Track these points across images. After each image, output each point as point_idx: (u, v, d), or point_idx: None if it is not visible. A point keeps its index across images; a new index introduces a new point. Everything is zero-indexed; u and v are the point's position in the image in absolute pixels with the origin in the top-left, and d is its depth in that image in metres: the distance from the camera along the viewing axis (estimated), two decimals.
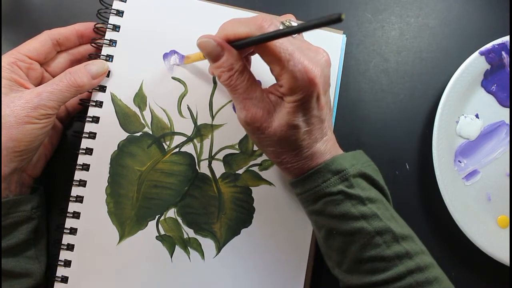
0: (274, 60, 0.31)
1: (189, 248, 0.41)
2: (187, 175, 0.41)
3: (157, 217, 0.41)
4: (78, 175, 0.41)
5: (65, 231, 0.40)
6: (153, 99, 0.41)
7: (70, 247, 0.40)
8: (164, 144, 0.41)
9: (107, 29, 0.41)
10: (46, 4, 0.44)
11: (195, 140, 0.42)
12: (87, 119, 0.41)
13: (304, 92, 0.31)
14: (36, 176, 0.42)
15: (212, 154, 0.42)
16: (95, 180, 0.41)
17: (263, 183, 0.42)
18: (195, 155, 0.42)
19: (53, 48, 0.40)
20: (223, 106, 0.42)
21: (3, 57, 0.38)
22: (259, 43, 0.30)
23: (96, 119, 0.41)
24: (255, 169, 0.42)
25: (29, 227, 0.39)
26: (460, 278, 0.44)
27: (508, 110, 0.45)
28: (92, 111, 0.41)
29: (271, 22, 0.31)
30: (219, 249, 0.41)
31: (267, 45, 0.30)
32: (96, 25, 0.41)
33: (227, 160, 0.42)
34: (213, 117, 0.42)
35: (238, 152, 0.42)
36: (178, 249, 0.41)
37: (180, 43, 0.42)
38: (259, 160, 0.42)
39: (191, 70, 0.42)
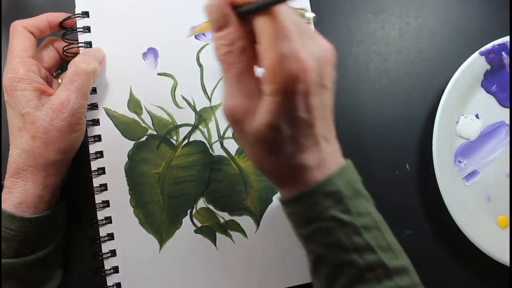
0: (269, 30, 0.26)
1: (229, 231, 0.41)
2: (204, 162, 0.41)
3: (188, 211, 0.41)
4: (99, 197, 0.40)
5: (104, 256, 0.40)
6: (146, 101, 0.41)
7: (115, 270, 0.40)
8: (171, 140, 0.41)
9: (79, 48, 0.40)
10: (46, 4, 0.44)
11: (200, 127, 0.42)
12: (89, 140, 0.40)
13: (285, 84, 0.26)
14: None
15: (221, 135, 0.42)
16: (116, 197, 0.40)
17: None
18: (205, 141, 0.42)
19: (35, 40, 0.39)
20: (216, 85, 0.42)
21: (16, 68, 0.36)
22: (268, 6, 0.26)
23: (98, 138, 0.40)
24: None
25: (63, 233, 0.40)
26: (460, 278, 0.44)
27: (508, 110, 0.45)
28: (91, 131, 0.40)
29: None
30: (258, 222, 0.42)
31: (271, 12, 0.26)
32: (65, 48, 0.40)
33: None
34: (210, 99, 0.42)
35: None
36: (219, 236, 0.41)
37: (154, 38, 0.41)
38: None
39: (174, 61, 0.41)
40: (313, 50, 0.28)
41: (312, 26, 0.31)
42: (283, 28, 0.26)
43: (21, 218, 0.35)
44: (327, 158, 0.30)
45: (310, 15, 0.30)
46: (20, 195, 0.35)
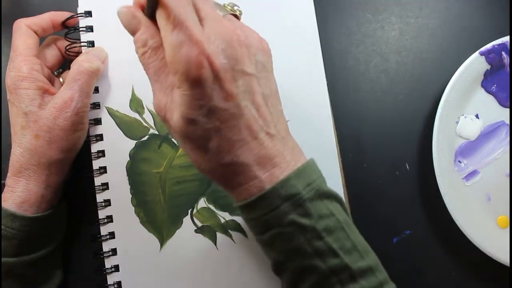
0: (165, 22, 0.26)
1: (230, 231, 0.41)
2: None
3: (189, 211, 0.41)
4: (100, 196, 0.40)
5: (105, 255, 0.40)
6: (149, 100, 0.41)
7: (116, 268, 0.40)
8: (173, 140, 0.42)
9: (82, 47, 0.41)
10: (46, 4, 0.44)
11: None
12: (91, 139, 0.40)
13: (186, 71, 0.25)
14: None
15: None
16: (118, 196, 0.40)
17: None
18: None
19: (38, 39, 0.39)
20: None
21: (19, 66, 0.36)
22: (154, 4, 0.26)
23: (99, 137, 0.40)
24: None
25: (64, 232, 0.41)
26: (460, 278, 0.44)
27: (508, 110, 0.45)
28: (93, 130, 0.40)
29: None
30: None
31: (163, 5, 0.26)
32: (67, 47, 0.40)
33: None
34: None
35: None
36: (220, 235, 0.41)
37: None
38: None
39: None
40: (215, 33, 0.26)
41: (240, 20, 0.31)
42: (176, 17, 0.25)
43: (22, 217, 0.35)
44: (275, 156, 0.28)
45: (231, 5, 0.30)
46: (22, 194, 0.35)
